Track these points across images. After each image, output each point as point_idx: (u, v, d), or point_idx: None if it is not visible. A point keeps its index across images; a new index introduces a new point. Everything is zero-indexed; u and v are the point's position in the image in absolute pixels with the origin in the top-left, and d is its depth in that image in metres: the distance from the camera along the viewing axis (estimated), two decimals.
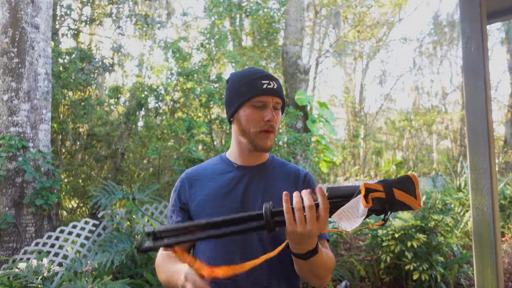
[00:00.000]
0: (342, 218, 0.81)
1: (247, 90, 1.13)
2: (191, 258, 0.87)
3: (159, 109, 6.81)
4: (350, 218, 0.80)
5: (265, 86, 1.12)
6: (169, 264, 1.09)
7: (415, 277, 3.46)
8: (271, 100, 1.13)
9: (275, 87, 1.13)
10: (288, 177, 1.21)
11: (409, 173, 0.81)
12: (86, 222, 3.57)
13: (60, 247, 3.38)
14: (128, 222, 3.80)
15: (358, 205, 0.79)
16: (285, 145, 6.00)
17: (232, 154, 1.22)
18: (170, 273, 1.04)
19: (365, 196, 0.78)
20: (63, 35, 7.22)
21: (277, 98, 1.14)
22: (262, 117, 1.12)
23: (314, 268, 0.99)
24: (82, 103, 6.31)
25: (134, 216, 3.84)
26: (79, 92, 6.65)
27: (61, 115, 6.35)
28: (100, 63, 6.85)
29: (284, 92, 8.47)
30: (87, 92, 6.80)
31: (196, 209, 1.15)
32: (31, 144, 3.80)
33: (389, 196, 0.79)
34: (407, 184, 0.79)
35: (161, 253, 1.16)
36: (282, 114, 1.22)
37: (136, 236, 3.50)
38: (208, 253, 1.12)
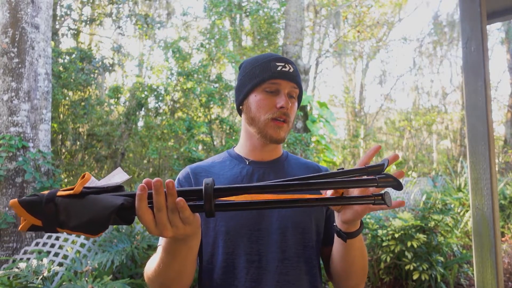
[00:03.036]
0: None
1: (259, 72, 1.00)
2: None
3: (159, 109, 6.81)
4: None
5: (279, 68, 0.99)
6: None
7: (415, 277, 3.47)
8: (286, 85, 0.99)
9: (291, 70, 1.00)
10: (308, 171, 1.08)
11: None
12: None
13: (60, 247, 3.38)
14: None
15: None
16: (285, 145, 6.00)
17: (242, 148, 1.08)
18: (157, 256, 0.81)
19: None
20: (63, 35, 7.23)
21: (293, 84, 1.00)
22: (274, 103, 0.98)
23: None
24: (82, 103, 6.31)
25: None
26: (79, 92, 6.65)
27: (61, 115, 6.35)
28: (100, 63, 6.85)
29: None
30: (87, 92, 6.81)
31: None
32: (31, 144, 3.80)
33: None
34: None
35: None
36: (298, 106, 1.07)
37: (136, 236, 3.50)
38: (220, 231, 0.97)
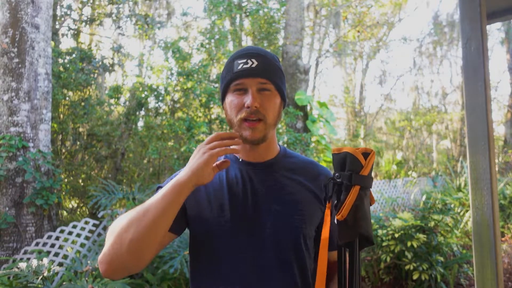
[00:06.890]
0: None
1: (225, 74, 0.98)
2: None
3: (159, 109, 6.81)
4: None
5: (240, 66, 0.93)
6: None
7: (415, 277, 3.47)
8: (251, 82, 0.93)
9: (253, 65, 0.93)
10: (306, 174, 1.05)
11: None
12: (86, 222, 3.57)
13: (60, 247, 3.38)
14: None
15: None
16: (285, 145, 6.01)
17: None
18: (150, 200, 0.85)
19: None
20: (63, 35, 7.22)
21: (258, 79, 0.93)
22: (243, 102, 0.93)
23: None
24: (82, 103, 6.30)
25: None
26: (79, 92, 6.65)
27: (61, 115, 6.35)
28: (100, 63, 6.85)
29: None
30: (87, 92, 6.80)
31: (199, 208, 0.98)
32: (31, 144, 3.80)
33: None
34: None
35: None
36: (283, 97, 1.00)
37: None
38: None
